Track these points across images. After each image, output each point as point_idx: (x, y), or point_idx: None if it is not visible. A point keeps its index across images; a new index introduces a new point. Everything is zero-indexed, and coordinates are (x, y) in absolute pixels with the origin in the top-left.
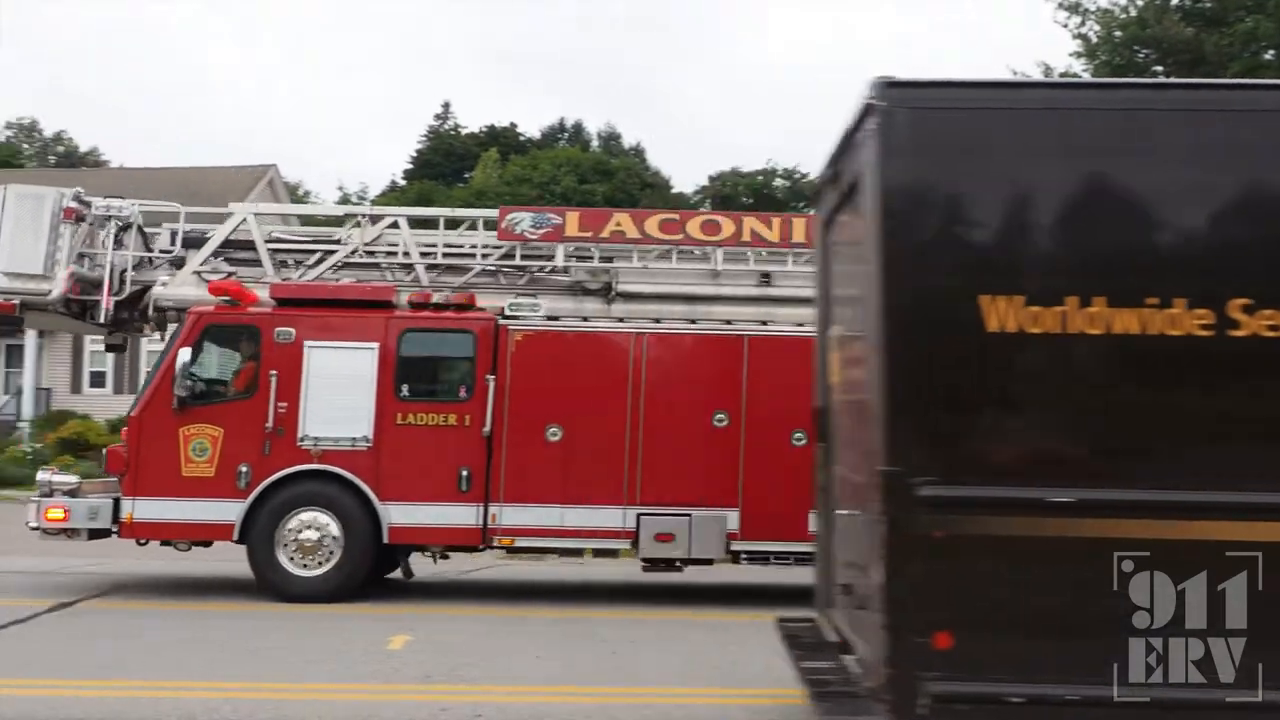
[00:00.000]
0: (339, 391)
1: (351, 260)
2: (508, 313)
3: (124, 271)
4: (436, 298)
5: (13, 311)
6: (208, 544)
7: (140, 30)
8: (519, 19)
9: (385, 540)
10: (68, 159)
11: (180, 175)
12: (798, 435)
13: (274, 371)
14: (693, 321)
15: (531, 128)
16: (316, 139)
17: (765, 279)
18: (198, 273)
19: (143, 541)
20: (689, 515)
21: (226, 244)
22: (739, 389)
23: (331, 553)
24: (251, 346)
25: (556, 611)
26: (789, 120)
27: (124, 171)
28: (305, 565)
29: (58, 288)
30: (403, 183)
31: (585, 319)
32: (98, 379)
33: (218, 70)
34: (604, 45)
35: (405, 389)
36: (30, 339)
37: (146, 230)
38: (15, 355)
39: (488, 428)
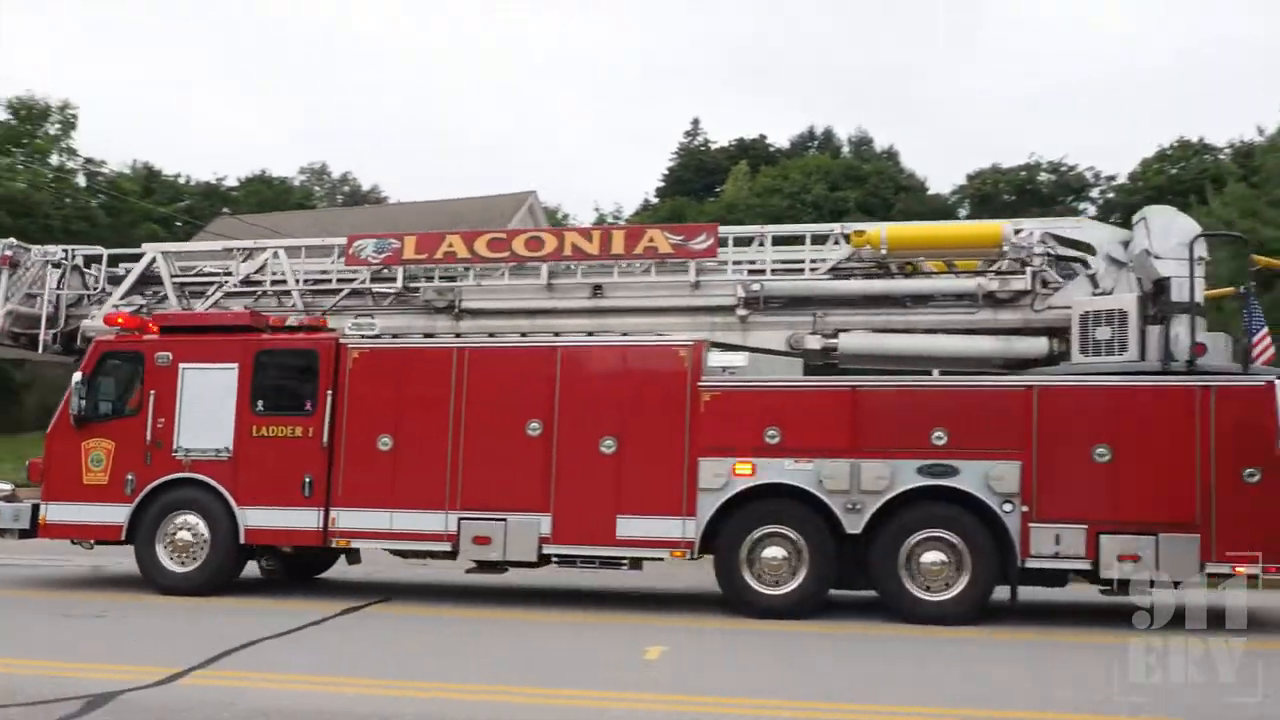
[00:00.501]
0: (207, 407)
1: (239, 290)
2: (347, 332)
3: (66, 307)
4: (292, 320)
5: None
6: (111, 543)
7: (407, 70)
8: (762, 31)
9: (242, 540)
10: (353, 198)
11: (450, 207)
12: (606, 443)
13: (154, 391)
14: (524, 335)
15: (781, 138)
16: (572, 163)
17: (598, 290)
18: (116, 306)
19: (88, 545)
20: (504, 520)
21: (145, 279)
22: (552, 399)
23: (201, 551)
24: (138, 369)
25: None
26: (1055, 116)
27: (401, 207)
28: (182, 562)
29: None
30: (655, 200)
31: (428, 335)
32: None
33: (473, 100)
34: (854, 50)
35: (260, 404)
36: None
37: (88, 271)
38: None
39: (326, 439)
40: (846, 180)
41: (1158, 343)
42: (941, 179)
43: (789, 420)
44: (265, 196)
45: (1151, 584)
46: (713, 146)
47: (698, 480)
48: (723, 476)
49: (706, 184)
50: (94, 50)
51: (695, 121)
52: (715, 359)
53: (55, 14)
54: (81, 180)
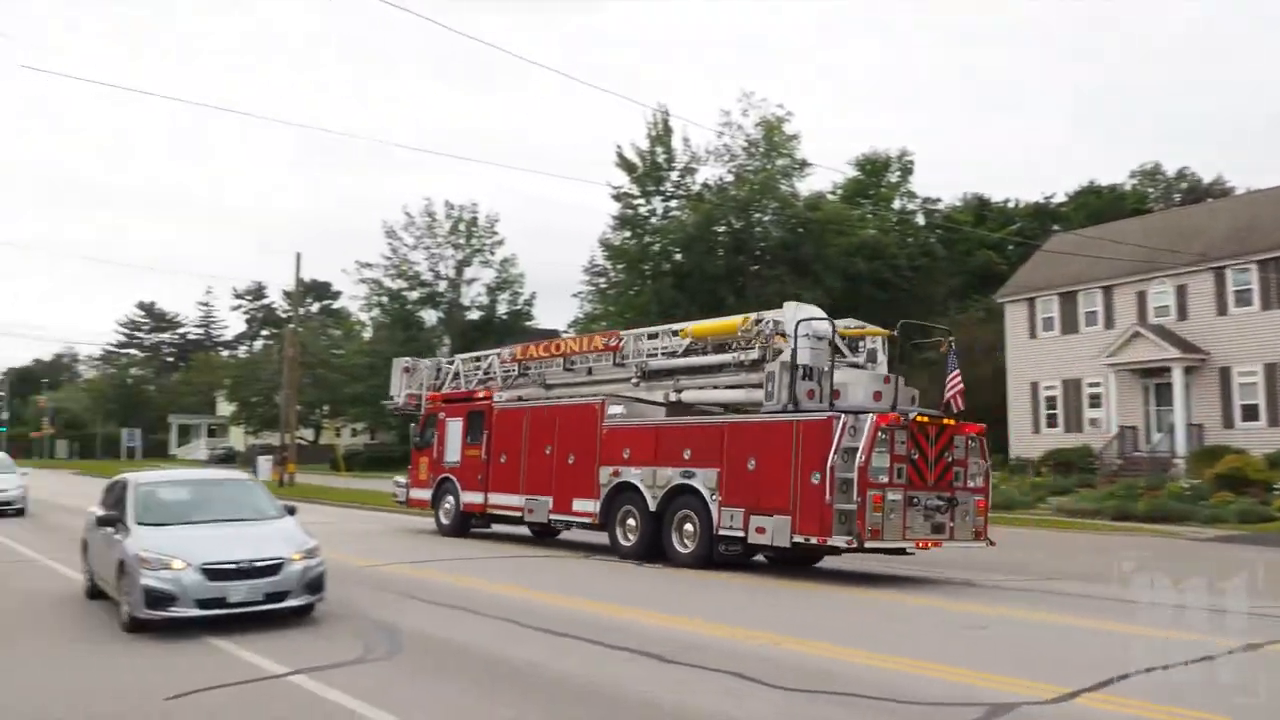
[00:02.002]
0: (453, 440)
1: (483, 376)
2: (495, 398)
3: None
4: (481, 391)
5: (401, 412)
6: (424, 511)
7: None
8: None
9: (461, 509)
10: (1192, 194)
11: None
12: (570, 458)
13: (437, 432)
14: (569, 398)
15: None
16: None
17: (590, 371)
18: (441, 388)
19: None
20: (538, 500)
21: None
22: (553, 434)
23: (451, 512)
24: (432, 421)
25: None
26: None
27: (1254, 195)
28: (445, 518)
29: (400, 400)
30: None
31: (523, 399)
32: (1249, 412)
33: None
34: None
35: (468, 437)
36: (1177, 377)
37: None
38: (1164, 393)
39: (485, 455)
40: None
41: (793, 391)
42: None
43: (632, 444)
44: (1095, 207)
45: (769, 545)
46: None
47: (599, 479)
48: (607, 477)
49: None
50: (906, 98)
51: None
52: (611, 409)
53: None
54: (920, 219)
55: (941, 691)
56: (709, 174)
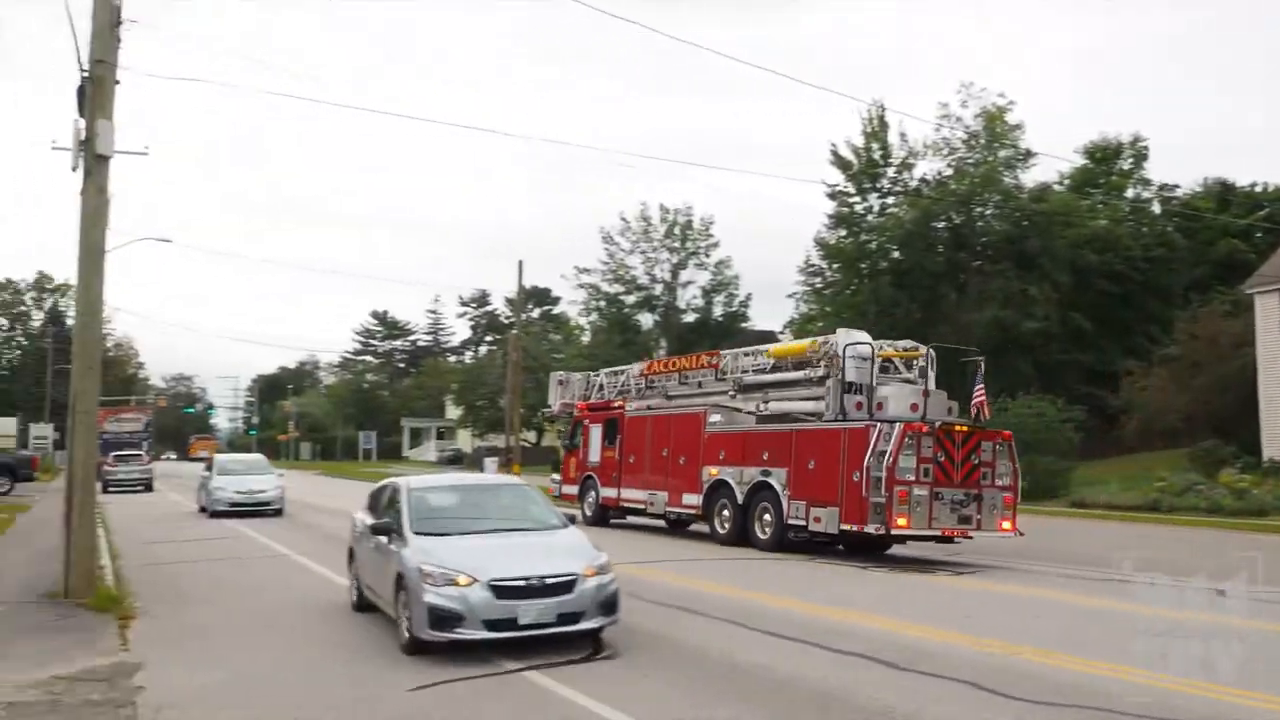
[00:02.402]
0: (594, 443)
1: (622, 387)
2: (628, 406)
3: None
4: (616, 400)
5: (557, 418)
6: (570, 503)
7: None
8: None
9: (600, 502)
10: None
11: None
12: (681, 459)
13: (582, 436)
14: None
15: None
16: None
17: (699, 385)
18: (588, 398)
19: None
20: (654, 494)
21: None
22: (668, 437)
23: (592, 506)
24: (579, 426)
25: None
26: None
27: None
28: (586, 512)
29: (556, 408)
30: None
31: (652, 408)
32: None
33: None
34: None
35: (605, 440)
36: None
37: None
38: None
39: (618, 456)
40: None
41: (841, 403)
42: None
43: (726, 448)
44: None
45: (824, 532)
46: None
47: (701, 477)
48: (707, 475)
49: None
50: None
51: None
52: (712, 417)
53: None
54: (1156, 208)
55: (1206, 712)
56: (927, 169)
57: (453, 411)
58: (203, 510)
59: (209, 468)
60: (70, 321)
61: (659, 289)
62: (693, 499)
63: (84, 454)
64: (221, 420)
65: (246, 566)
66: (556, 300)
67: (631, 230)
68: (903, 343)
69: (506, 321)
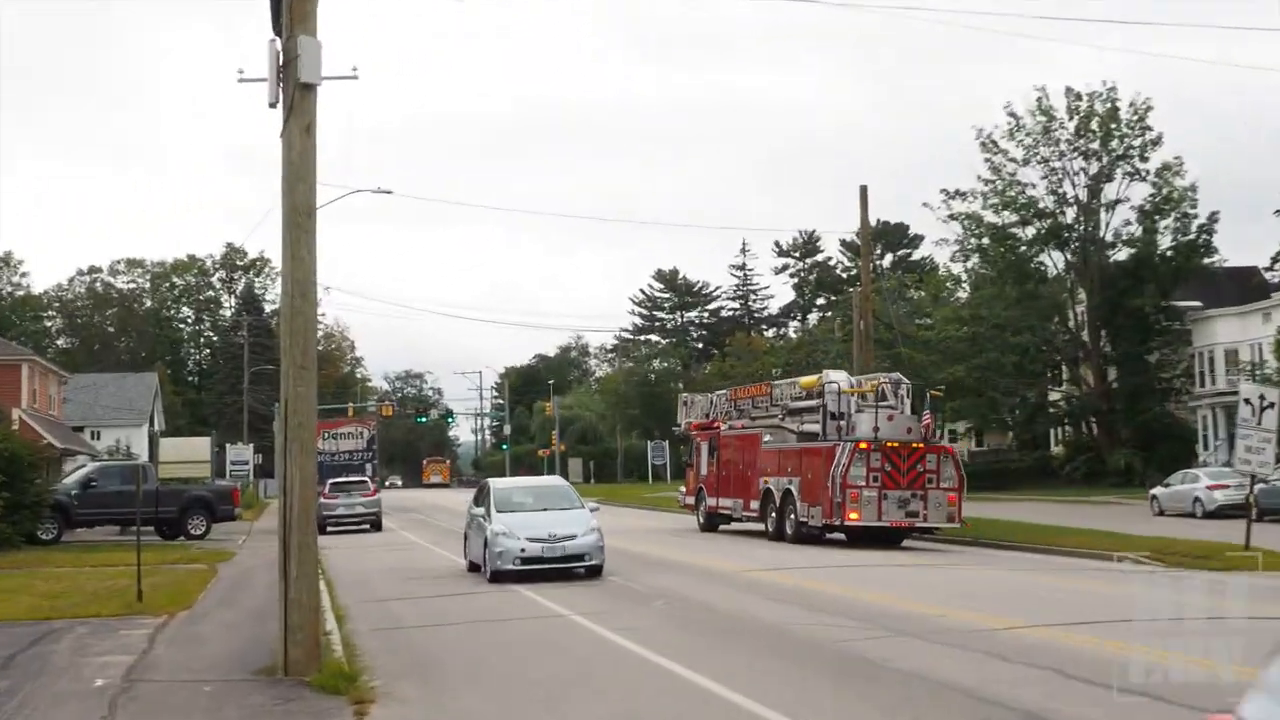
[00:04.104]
0: (703, 459)
1: (728, 411)
2: (723, 426)
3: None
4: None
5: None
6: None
7: None
8: None
9: (710, 510)
10: None
11: None
12: (748, 472)
13: (695, 452)
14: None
15: None
16: None
17: (771, 411)
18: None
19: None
20: (738, 501)
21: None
22: (754, 455)
23: (704, 513)
24: (691, 444)
25: None
26: None
27: None
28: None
29: (683, 427)
30: None
31: (739, 427)
32: None
33: None
34: None
35: (711, 455)
36: None
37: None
38: None
39: (717, 471)
40: None
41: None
42: None
43: (770, 463)
44: None
45: (816, 526)
46: None
47: (759, 486)
48: (761, 485)
49: None
50: None
51: None
52: (765, 436)
53: None
54: None
55: None
56: None
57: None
58: (474, 568)
59: (480, 500)
60: (271, 307)
61: (1070, 214)
62: (754, 504)
63: (301, 481)
64: (462, 431)
65: (519, 631)
66: (917, 241)
67: (1024, 130)
68: (871, 376)
69: (845, 276)
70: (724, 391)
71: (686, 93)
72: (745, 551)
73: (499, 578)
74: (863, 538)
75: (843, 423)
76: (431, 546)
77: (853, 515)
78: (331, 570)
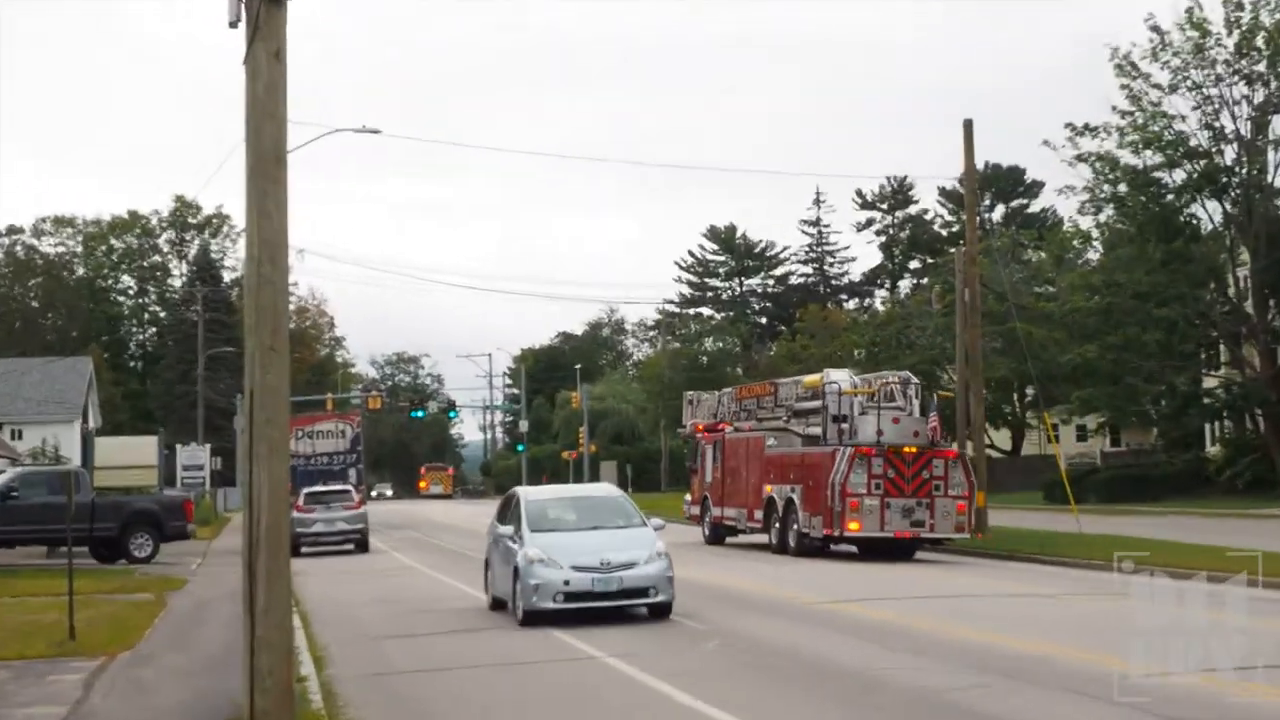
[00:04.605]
0: (707, 463)
1: (735, 411)
2: (728, 428)
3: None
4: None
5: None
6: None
7: None
8: None
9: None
10: None
11: None
12: (751, 479)
13: (699, 455)
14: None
15: None
16: None
17: (772, 412)
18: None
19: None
20: (742, 510)
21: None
22: (748, 458)
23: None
24: (695, 447)
25: None
26: None
27: None
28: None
29: (688, 429)
30: None
31: (739, 429)
32: None
33: None
34: None
35: (716, 458)
36: None
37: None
38: None
39: (722, 477)
40: None
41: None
42: None
43: (773, 469)
44: None
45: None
46: None
47: (763, 494)
48: (765, 493)
49: None
50: None
51: None
52: (769, 440)
53: None
54: None
55: None
56: None
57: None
58: (498, 606)
59: (507, 515)
60: (232, 275)
61: (1230, 154)
62: (758, 514)
63: (271, 491)
64: (467, 429)
65: (540, 676)
66: (1035, 189)
67: (1172, 49)
68: (879, 375)
69: (946, 233)
70: (730, 390)
71: (749, 17)
72: (765, 570)
73: (535, 619)
74: (871, 549)
75: (845, 426)
76: (431, 572)
77: (853, 525)
78: (308, 601)
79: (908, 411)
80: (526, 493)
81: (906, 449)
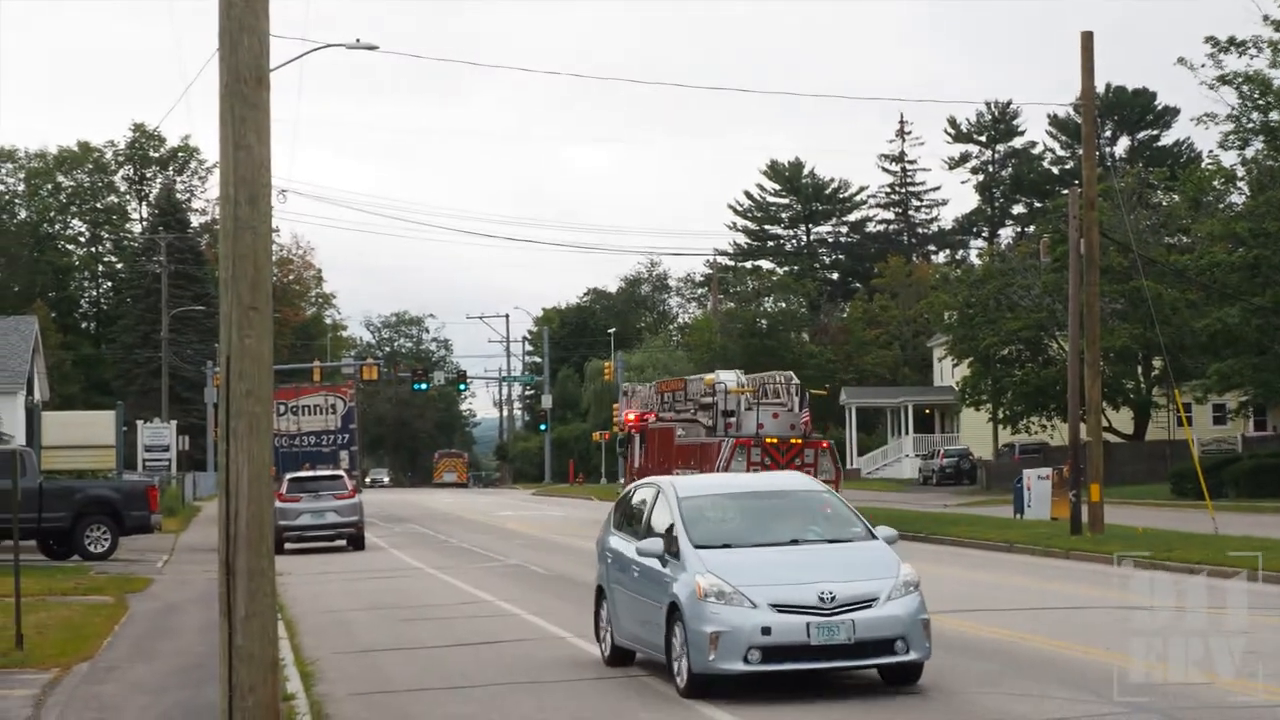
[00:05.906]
0: (637, 451)
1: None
2: (652, 419)
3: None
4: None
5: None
6: None
7: None
8: None
9: None
10: None
11: None
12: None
13: (631, 443)
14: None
15: None
16: None
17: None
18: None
19: None
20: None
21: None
22: (669, 446)
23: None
24: (630, 436)
25: None
26: None
27: None
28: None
29: (622, 421)
30: None
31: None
32: None
33: None
34: None
35: (643, 447)
36: None
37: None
38: None
39: (647, 466)
40: None
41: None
42: None
43: (681, 456)
44: None
45: None
46: None
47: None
48: (676, 474)
49: None
50: None
51: None
52: (678, 431)
53: None
54: None
55: None
56: None
57: (944, 371)
58: (623, 657)
59: (631, 518)
60: (201, 219)
61: None
62: None
63: (252, 476)
64: (480, 404)
65: (553, 694)
66: (1168, 118)
67: None
68: (769, 376)
69: (1057, 171)
70: (653, 384)
71: None
72: None
73: (712, 685)
74: None
75: (731, 420)
76: (438, 574)
77: None
78: (294, 607)
79: (789, 407)
80: (677, 485)
81: (780, 440)
